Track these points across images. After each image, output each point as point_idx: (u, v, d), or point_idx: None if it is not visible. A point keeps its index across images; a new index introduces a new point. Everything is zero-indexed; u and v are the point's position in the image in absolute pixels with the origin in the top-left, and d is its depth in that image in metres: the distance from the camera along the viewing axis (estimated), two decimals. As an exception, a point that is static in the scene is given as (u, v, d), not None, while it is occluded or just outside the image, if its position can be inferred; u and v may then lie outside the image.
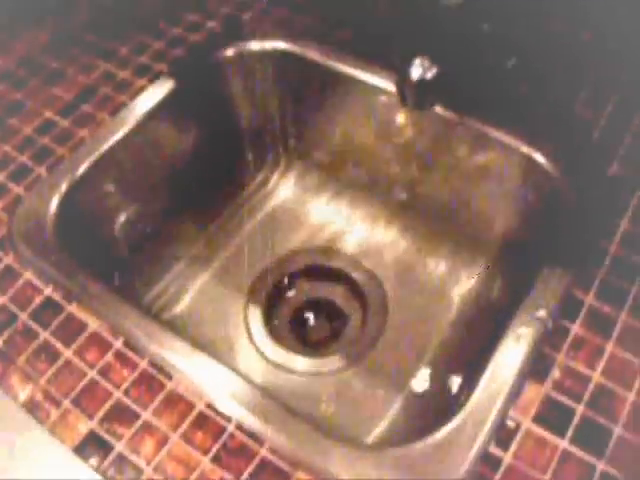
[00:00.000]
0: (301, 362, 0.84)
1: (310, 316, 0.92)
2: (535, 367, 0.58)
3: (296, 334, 0.89)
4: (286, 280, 0.92)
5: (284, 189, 1.00)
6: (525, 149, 0.73)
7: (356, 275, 0.91)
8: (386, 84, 0.80)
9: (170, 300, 0.90)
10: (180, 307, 0.89)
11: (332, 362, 0.83)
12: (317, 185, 0.99)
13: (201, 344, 0.62)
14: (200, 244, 0.95)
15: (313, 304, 0.92)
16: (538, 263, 0.64)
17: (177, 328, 0.82)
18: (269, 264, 0.93)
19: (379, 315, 0.87)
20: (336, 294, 0.92)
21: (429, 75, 0.64)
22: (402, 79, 0.65)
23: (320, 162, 0.98)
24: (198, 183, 0.92)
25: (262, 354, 0.84)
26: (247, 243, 0.96)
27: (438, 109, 0.76)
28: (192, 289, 0.91)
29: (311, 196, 0.99)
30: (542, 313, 0.60)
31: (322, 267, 0.93)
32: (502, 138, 0.74)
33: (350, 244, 0.94)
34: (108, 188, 0.80)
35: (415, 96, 0.66)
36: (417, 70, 0.64)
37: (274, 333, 0.87)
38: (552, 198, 0.72)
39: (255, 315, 0.88)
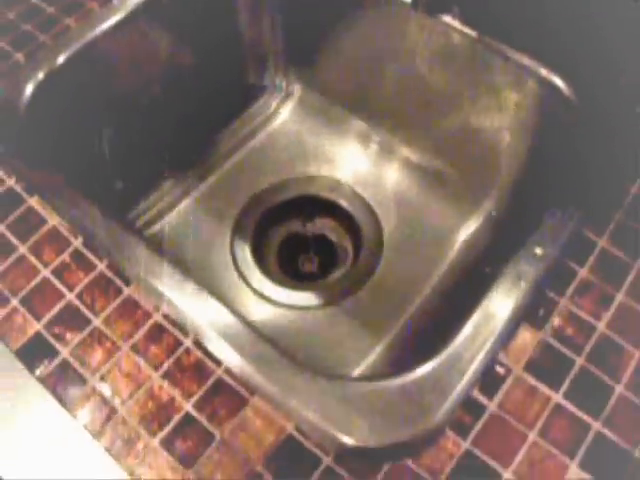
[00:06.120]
0: (286, 294, 0.78)
1: (299, 250, 0.87)
2: (533, 310, 0.53)
3: (284, 267, 0.84)
4: (277, 209, 0.86)
5: (284, 112, 0.93)
6: (544, 72, 0.66)
7: (352, 209, 0.85)
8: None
9: (153, 218, 0.84)
10: (163, 226, 0.84)
11: (319, 297, 0.78)
12: (320, 110, 0.92)
13: (179, 263, 0.56)
14: (190, 164, 0.88)
15: (304, 237, 0.87)
16: (550, 203, 0.58)
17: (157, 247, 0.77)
18: (260, 191, 0.87)
19: (373, 252, 0.81)
20: (329, 227, 0.86)
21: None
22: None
23: (324, 84, 0.91)
24: (195, 99, 0.86)
25: (245, 282, 0.79)
26: (239, 168, 0.90)
27: (453, 22, 0.69)
28: (177, 210, 0.86)
29: (312, 122, 0.92)
30: (541, 250, 0.54)
31: (316, 198, 0.87)
32: (520, 59, 0.67)
33: (349, 175, 0.87)
34: (91, 82, 0.73)
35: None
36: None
37: (260, 263, 0.81)
38: (570, 130, 0.65)
39: (242, 242, 0.83)
